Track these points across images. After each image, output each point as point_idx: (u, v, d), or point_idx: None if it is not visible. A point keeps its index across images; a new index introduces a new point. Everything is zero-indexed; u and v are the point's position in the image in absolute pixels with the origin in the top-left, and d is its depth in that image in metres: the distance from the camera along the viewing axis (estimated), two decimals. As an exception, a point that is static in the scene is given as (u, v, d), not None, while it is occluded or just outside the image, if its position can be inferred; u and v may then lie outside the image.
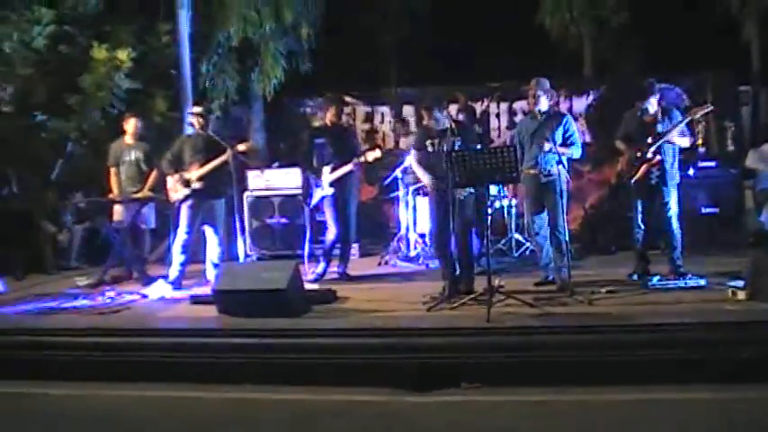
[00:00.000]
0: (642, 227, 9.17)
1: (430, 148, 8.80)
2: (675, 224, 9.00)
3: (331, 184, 10.19)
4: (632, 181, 9.03)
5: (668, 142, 8.89)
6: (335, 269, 10.44)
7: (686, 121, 9.11)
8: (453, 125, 8.65)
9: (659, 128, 8.94)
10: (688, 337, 6.62)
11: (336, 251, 10.53)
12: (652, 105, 9.05)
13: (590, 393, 6.13)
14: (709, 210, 11.59)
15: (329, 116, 10.59)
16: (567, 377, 6.37)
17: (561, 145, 8.77)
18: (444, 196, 8.43)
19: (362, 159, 10.10)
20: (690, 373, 6.22)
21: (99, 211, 10.96)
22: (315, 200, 10.34)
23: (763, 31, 16.76)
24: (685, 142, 9.13)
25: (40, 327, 8.06)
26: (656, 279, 8.78)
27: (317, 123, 11.73)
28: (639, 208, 9.15)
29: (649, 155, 8.87)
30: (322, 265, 10.41)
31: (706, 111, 9.37)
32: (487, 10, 17.99)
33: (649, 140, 8.89)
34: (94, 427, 6.22)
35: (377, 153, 10.23)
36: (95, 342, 7.50)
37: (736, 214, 12.03)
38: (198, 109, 10.32)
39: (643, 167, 8.91)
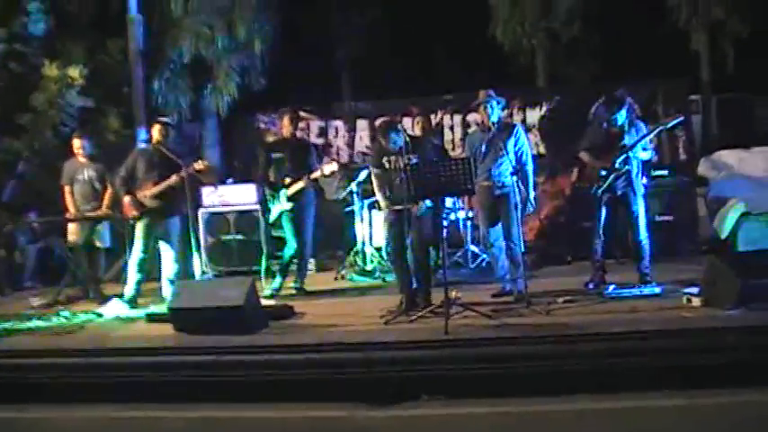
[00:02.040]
0: (602, 237, 9.22)
1: (387, 166, 8.78)
2: (644, 233, 9.08)
3: (289, 199, 10.15)
4: (599, 191, 9.08)
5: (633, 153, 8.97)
6: (292, 285, 10.40)
7: (658, 130, 9.22)
8: (409, 141, 8.65)
9: (626, 139, 9.01)
10: (645, 345, 6.67)
11: (293, 266, 10.49)
12: (621, 116, 9.10)
13: (549, 404, 6.14)
14: (662, 218, 11.67)
15: (285, 128, 10.53)
16: (526, 388, 6.37)
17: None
18: (400, 211, 8.44)
19: (319, 173, 10.07)
20: (648, 381, 6.26)
21: (53, 231, 10.85)
22: (274, 215, 10.30)
23: (712, 40, 16.98)
24: (647, 155, 9.23)
25: (-6, 349, 7.96)
26: (611, 288, 8.84)
27: (271, 138, 11.66)
28: (602, 218, 9.20)
29: (617, 165, 8.93)
30: (278, 280, 10.36)
31: (677, 121, 9.47)
32: (441, 23, 18.08)
33: (616, 152, 8.96)
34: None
35: (333, 166, 10.21)
36: (51, 363, 7.41)
37: (690, 222, 12.14)
38: (162, 121, 10.23)
39: (611, 178, 8.97)
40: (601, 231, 9.22)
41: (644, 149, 9.12)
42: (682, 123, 10.64)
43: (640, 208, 9.08)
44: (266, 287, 10.24)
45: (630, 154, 8.94)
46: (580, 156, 9.42)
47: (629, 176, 8.99)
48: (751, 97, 17.97)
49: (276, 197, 10.21)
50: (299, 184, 10.05)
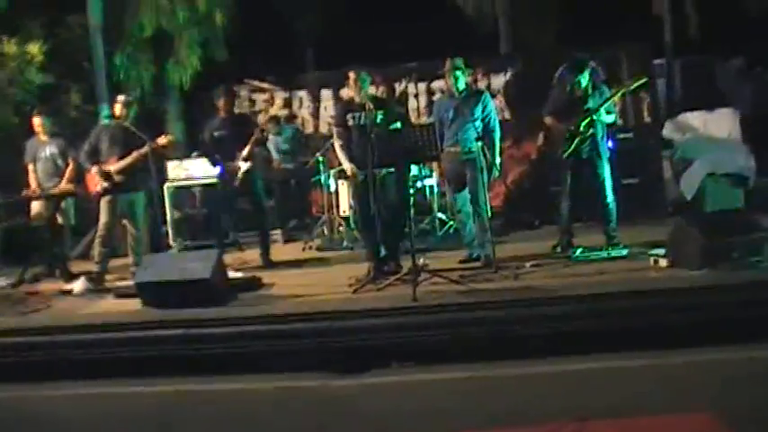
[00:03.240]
0: (569, 201, 9.26)
1: (351, 122, 8.76)
2: (611, 196, 9.13)
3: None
4: (564, 155, 9.09)
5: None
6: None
7: (621, 92, 9.26)
8: (372, 101, 8.64)
9: (590, 102, 9.02)
10: (613, 306, 6.71)
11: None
12: (585, 79, 9.11)
13: (520, 367, 6.20)
14: (628, 180, 11.70)
15: (222, 108, 10.46)
16: (496, 352, 6.41)
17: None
18: (365, 177, 8.42)
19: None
20: (618, 342, 6.30)
21: (17, 210, 10.74)
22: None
23: (674, 3, 17.02)
24: (611, 118, 9.26)
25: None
26: (579, 251, 8.88)
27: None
28: (569, 182, 9.23)
29: (582, 129, 8.94)
30: None
31: (641, 82, 9.49)
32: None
33: (581, 115, 8.97)
34: (20, 428, 6.12)
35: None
36: (18, 342, 7.37)
37: (656, 184, 12.21)
38: (123, 98, 10.14)
39: (576, 141, 8.98)
40: (567, 195, 9.26)
41: (608, 112, 9.13)
42: (645, 86, 10.64)
43: (606, 171, 9.11)
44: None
45: (595, 117, 8.95)
46: (545, 120, 9.42)
47: (594, 140, 9.01)
48: (713, 60, 18.07)
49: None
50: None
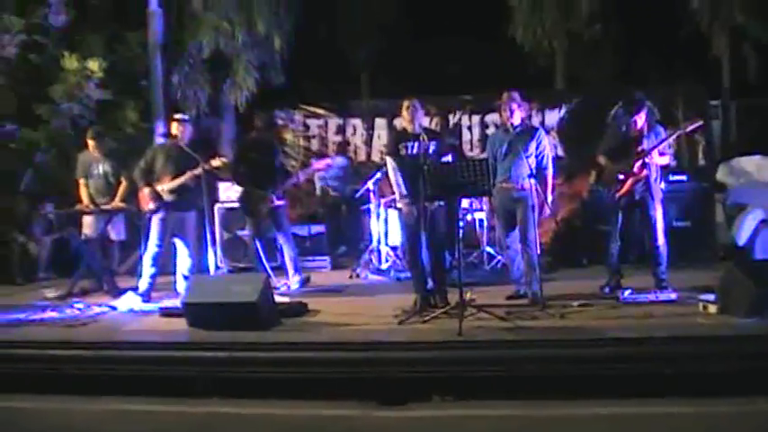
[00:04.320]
0: (619, 241, 9.19)
1: (402, 152, 8.74)
2: (662, 239, 9.03)
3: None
4: (617, 195, 9.04)
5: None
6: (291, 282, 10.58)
7: (677, 134, 9.19)
8: (426, 133, 8.66)
9: (645, 143, 8.96)
10: (659, 351, 6.62)
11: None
12: (640, 120, 9.06)
13: (561, 408, 6.12)
14: (680, 223, 11.61)
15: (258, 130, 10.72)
16: (538, 391, 6.35)
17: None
18: (416, 208, 8.41)
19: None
20: (662, 387, 6.22)
21: (69, 222, 10.85)
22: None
23: (733, 45, 16.87)
24: (665, 160, 9.21)
25: (7, 339, 7.94)
26: (627, 293, 8.79)
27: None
28: (620, 222, 9.16)
29: (635, 170, 8.89)
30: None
31: (696, 125, 9.42)
32: (460, 22, 18.03)
33: (635, 155, 8.92)
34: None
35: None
36: (64, 355, 7.41)
37: (707, 228, 12.08)
38: (180, 116, 10.24)
39: (629, 182, 8.93)
40: (617, 235, 9.19)
41: (662, 154, 9.07)
42: (701, 128, 10.57)
43: (658, 213, 9.03)
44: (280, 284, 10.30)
45: (648, 159, 8.89)
46: (598, 159, 9.37)
47: (647, 181, 8.95)
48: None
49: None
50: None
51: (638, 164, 8.88)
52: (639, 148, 8.95)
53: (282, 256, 10.81)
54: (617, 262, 9.31)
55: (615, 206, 9.15)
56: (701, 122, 9.51)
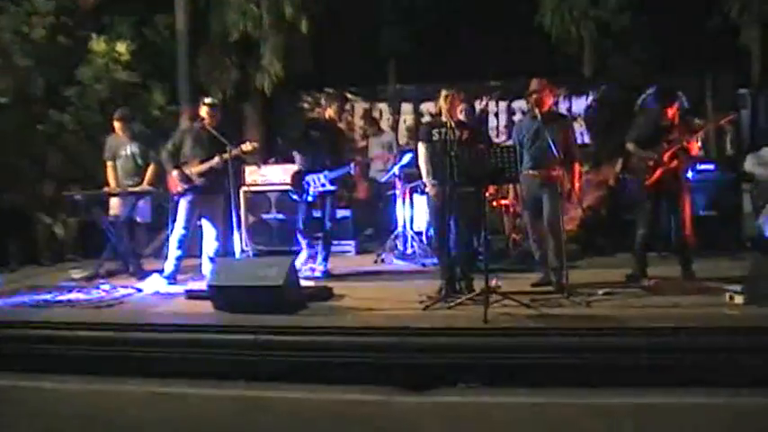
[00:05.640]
0: (646, 230, 9.15)
1: (435, 137, 8.75)
2: (689, 228, 8.99)
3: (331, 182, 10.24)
4: (646, 184, 9.01)
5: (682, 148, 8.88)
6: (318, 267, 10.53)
7: (710, 127, 9.13)
8: (458, 126, 8.71)
9: (675, 133, 8.93)
10: (685, 341, 6.58)
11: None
12: (672, 111, 9.02)
13: (586, 396, 6.11)
14: (707, 213, 11.55)
15: (329, 112, 10.59)
16: (563, 379, 6.34)
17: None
18: (444, 195, 8.41)
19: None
20: (687, 378, 6.19)
21: (95, 204, 10.89)
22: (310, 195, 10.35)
23: (763, 34, 16.73)
24: (695, 150, 9.15)
25: (34, 319, 8.01)
26: (653, 282, 8.76)
27: (313, 116, 11.60)
28: (647, 211, 9.13)
29: (665, 159, 8.85)
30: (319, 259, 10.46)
31: (730, 118, 9.38)
32: (488, 8, 17.95)
33: (665, 145, 8.88)
34: (86, 421, 6.20)
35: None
36: (89, 336, 7.45)
37: (734, 218, 12.01)
38: (210, 100, 10.24)
39: (658, 172, 8.89)
40: (644, 224, 9.15)
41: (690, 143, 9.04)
42: (733, 122, 10.51)
43: (685, 202, 8.99)
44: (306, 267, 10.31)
45: (678, 149, 8.86)
46: (627, 146, 9.34)
47: (676, 171, 8.90)
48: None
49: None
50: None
51: (668, 154, 8.85)
52: (670, 137, 8.92)
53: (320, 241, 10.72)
54: (643, 251, 9.27)
55: (643, 195, 9.11)
56: (732, 116, 9.44)
